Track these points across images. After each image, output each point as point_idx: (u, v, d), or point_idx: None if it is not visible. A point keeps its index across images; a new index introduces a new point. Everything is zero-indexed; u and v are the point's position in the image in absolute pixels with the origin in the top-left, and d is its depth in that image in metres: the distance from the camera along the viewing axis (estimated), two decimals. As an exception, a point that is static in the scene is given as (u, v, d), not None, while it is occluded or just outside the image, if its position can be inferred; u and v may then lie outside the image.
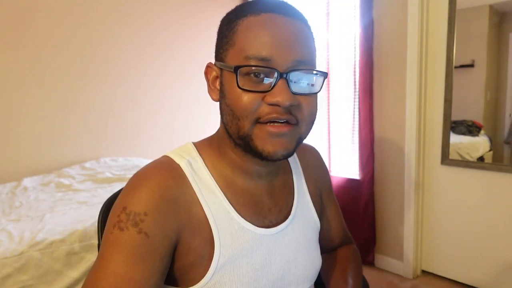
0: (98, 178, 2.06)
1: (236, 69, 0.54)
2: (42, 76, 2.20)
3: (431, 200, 2.16)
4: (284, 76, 0.54)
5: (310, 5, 2.57)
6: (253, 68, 0.53)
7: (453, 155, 2.03)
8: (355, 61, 2.35)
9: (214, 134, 0.67)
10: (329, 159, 2.58)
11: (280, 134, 0.55)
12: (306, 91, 0.57)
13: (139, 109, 2.66)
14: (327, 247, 0.85)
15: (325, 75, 0.59)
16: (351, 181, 2.44)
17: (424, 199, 2.19)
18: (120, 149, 2.58)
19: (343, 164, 2.57)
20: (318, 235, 0.75)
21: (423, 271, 2.25)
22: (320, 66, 2.47)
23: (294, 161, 0.75)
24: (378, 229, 2.35)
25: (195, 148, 0.65)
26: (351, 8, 2.38)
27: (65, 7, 2.26)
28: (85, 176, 2.12)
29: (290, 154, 0.58)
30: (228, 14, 0.61)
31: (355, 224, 2.35)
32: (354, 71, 2.37)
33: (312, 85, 0.58)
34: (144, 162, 2.40)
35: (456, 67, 1.96)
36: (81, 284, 1.36)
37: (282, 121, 0.55)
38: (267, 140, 0.55)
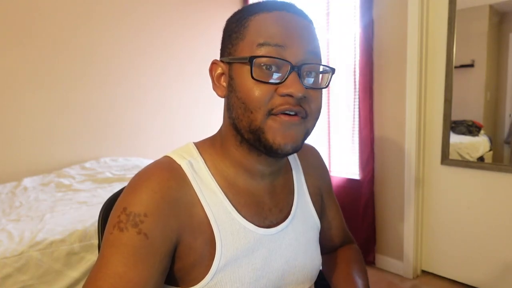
0: (98, 178, 2.06)
1: (251, 59, 0.54)
2: (42, 76, 2.20)
3: (431, 200, 2.16)
4: (296, 69, 0.55)
5: (310, 5, 2.57)
6: (267, 59, 0.55)
7: (453, 155, 2.03)
8: (355, 61, 2.35)
9: (216, 133, 0.67)
10: (329, 159, 2.58)
11: (292, 123, 0.56)
12: (316, 85, 0.59)
13: (139, 109, 2.66)
14: (328, 247, 0.85)
15: (333, 70, 0.61)
16: (351, 181, 2.44)
17: (424, 199, 2.19)
18: (120, 149, 2.58)
19: (343, 164, 2.56)
20: (318, 235, 0.75)
21: (423, 271, 2.25)
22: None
23: (294, 161, 0.75)
24: (378, 229, 2.35)
25: (196, 149, 0.65)
26: (351, 8, 2.38)
27: (65, 7, 2.26)
28: (85, 176, 2.12)
29: (298, 148, 0.59)
30: (236, 14, 0.62)
31: (355, 224, 2.35)
32: (354, 71, 2.37)
33: (321, 80, 0.60)
34: (144, 162, 2.40)
35: (456, 67, 1.96)
36: (81, 284, 1.36)
37: (293, 113, 0.56)
38: (279, 132, 0.56)
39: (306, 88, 0.56)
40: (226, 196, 0.61)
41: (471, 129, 1.98)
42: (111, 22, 2.48)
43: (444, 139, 2.04)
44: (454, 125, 2.02)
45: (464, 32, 1.92)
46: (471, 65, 1.94)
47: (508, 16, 1.82)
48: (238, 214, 0.61)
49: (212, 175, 0.62)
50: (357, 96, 2.36)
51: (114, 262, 0.51)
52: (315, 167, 0.79)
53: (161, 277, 0.55)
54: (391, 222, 2.28)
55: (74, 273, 1.35)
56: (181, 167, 0.60)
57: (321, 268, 0.79)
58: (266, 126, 0.56)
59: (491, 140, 1.94)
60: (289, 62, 0.55)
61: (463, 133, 2.00)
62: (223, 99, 0.63)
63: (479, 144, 1.97)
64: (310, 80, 0.58)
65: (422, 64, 2.05)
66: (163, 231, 0.54)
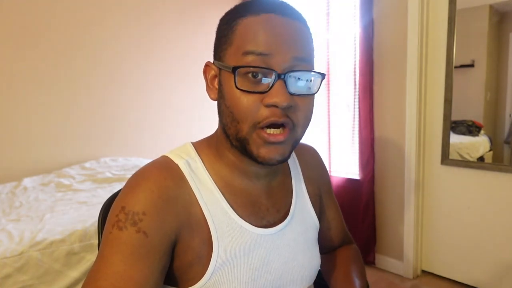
0: (98, 178, 2.06)
1: (234, 69, 0.54)
2: (42, 76, 2.20)
3: (431, 200, 2.16)
4: (282, 76, 0.54)
5: (310, 5, 2.57)
6: (251, 68, 0.53)
7: (453, 155, 2.03)
8: (355, 61, 2.35)
9: (213, 134, 0.67)
10: (329, 159, 2.58)
11: (276, 142, 0.56)
12: (304, 91, 0.57)
13: (139, 109, 2.66)
14: (327, 247, 0.85)
15: (323, 76, 0.58)
16: (351, 181, 2.44)
17: (424, 199, 2.19)
18: (120, 149, 2.58)
19: (343, 164, 2.56)
20: (317, 235, 0.75)
21: (423, 271, 2.25)
22: (320, 66, 2.47)
23: (293, 162, 0.75)
24: (378, 229, 2.35)
25: (193, 148, 0.65)
26: (351, 8, 2.37)
27: (67, 8, 2.27)
28: (85, 176, 2.12)
29: (285, 159, 0.59)
30: (227, 14, 0.61)
31: (355, 224, 2.35)
32: (354, 71, 2.37)
33: (310, 86, 0.58)
34: (144, 162, 2.41)
35: (456, 67, 1.96)
36: (81, 284, 1.35)
37: (280, 123, 0.55)
38: (263, 146, 0.56)
39: (294, 95, 0.55)
40: (223, 196, 0.61)
41: (471, 129, 1.98)
42: (111, 23, 2.48)
43: (444, 139, 2.04)
44: (454, 125, 2.02)
45: (464, 32, 1.92)
46: (471, 65, 1.94)
47: (508, 16, 1.82)
48: (235, 214, 0.61)
49: (210, 174, 0.62)
50: (357, 96, 2.36)
51: (114, 261, 0.51)
52: (314, 167, 0.79)
53: (161, 275, 0.55)
54: (391, 222, 2.28)
55: (74, 273, 1.35)
56: (178, 167, 0.60)
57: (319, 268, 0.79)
58: (251, 139, 0.56)
59: (491, 140, 1.94)
60: (274, 70, 0.53)
61: (463, 133, 2.00)
62: (216, 104, 0.63)
63: (479, 144, 1.97)
64: (299, 86, 0.56)
65: (422, 64, 2.05)
66: (161, 229, 0.54)
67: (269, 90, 0.54)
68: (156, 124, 2.76)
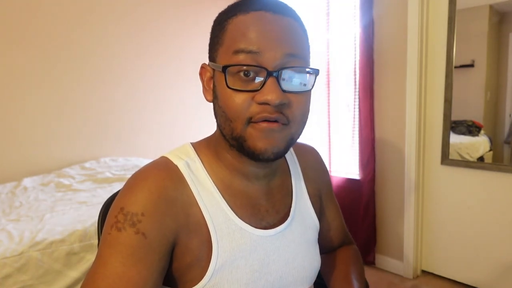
0: (98, 178, 2.06)
1: (224, 68, 0.54)
2: (42, 76, 2.20)
3: (431, 200, 2.16)
4: (274, 74, 0.53)
5: (310, 5, 2.57)
6: (244, 67, 0.53)
7: (453, 155, 2.03)
8: (355, 61, 2.35)
9: (212, 135, 0.67)
10: (329, 159, 2.58)
11: (272, 130, 0.55)
12: (297, 89, 0.56)
13: (139, 109, 2.66)
14: (327, 248, 0.84)
15: (316, 72, 0.58)
16: (351, 181, 2.44)
17: (424, 199, 2.19)
18: (120, 149, 2.58)
19: (343, 164, 2.56)
20: (317, 236, 0.74)
21: (423, 271, 2.25)
22: (320, 66, 2.47)
23: (293, 162, 0.75)
24: (378, 229, 2.34)
25: (193, 149, 0.65)
26: (351, 8, 2.37)
27: (65, 7, 2.27)
28: (85, 176, 2.12)
29: (281, 154, 0.58)
30: (220, 14, 0.61)
31: (355, 224, 2.35)
32: (354, 71, 2.36)
33: (304, 83, 0.57)
34: (144, 162, 2.41)
35: (456, 67, 1.96)
36: (80, 284, 1.36)
37: (272, 120, 0.55)
38: (259, 138, 0.55)
39: (287, 92, 0.54)
40: (223, 197, 0.61)
41: (471, 129, 1.97)
42: (110, 22, 2.48)
43: (444, 139, 2.04)
44: (454, 125, 2.02)
45: (464, 32, 1.92)
46: (471, 65, 1.93)
47: (508, 16, 1.82)
48: (235, 215, 0.61)
49: (209, 175, 0.62)
50: (357, 96, 2.36)
51: (113, 262, 0.51)
52: (314, 168, 0.78)
53: (160, 276, 0.55)
54: (391, 222, 2.28)
55: (74, 273, 1.35)
56: (178, 168, 0.60)
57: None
58: (247, 134, 0.55)
59: (491, 140, 1.94)
60: (265, 68, 0.53)
61: (463, 133, 2.00)
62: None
63: (479, 144, 1.97)
64: (292, 84, 0.55)
65: (422, 64, 2.05)
66: (160, 231, 0.54)
67: (261, 87, 0.53)
68: (156, 125, 2.76)
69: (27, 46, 2.14)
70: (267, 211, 0.65)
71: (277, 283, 0.63)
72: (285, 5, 0.58)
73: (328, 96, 2.53)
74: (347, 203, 2.41)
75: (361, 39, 2.20)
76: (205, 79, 0.62)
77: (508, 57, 1.84)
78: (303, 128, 0.60)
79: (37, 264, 1.28)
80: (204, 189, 0.60)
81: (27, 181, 2.00)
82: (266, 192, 0.66)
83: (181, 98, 2.88)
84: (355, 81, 2.38)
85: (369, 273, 2.27)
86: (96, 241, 1.33)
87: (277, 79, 0.53)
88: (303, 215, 0.71)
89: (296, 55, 0.55)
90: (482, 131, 1.95)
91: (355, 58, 2.35)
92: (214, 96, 0.59)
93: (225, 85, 0.54)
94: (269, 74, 0.53)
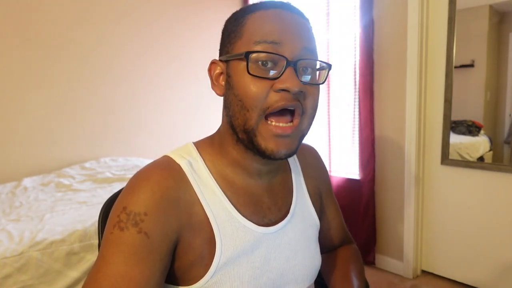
0: (98, 178, 2.06)
1: (247, 54, 0.55)
2: (42, 76, 2.20)
3: (431, 200, 2.16)
4: (292, 64, 0.55)
5: (310, 5, 2.57)
6: (263, 54, 0.55)
7: (453, 155, 2.03)
8: (355, 61, 2.35)
9: (215, 132, 0.67)
10: (329, 159, 2.58)
11: (284, 135, 0.57)
12: (312, 81, 0.59)
13: (139, 109, 2.66)
14: (327, 247, 0.85)
15: (329, 66, 0.61)
16: (351, 181, 2.44)
17: (424, 199, 2.19)
18: (120, 149, 2.58)
19: (343, 164, 2.56)
20: (317, 234, 0.75)
21: (423, 271, 2.25)
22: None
23: (293, 160, 0.75)
24: (378, 229, 2.35)
25: (195, 148, 0.65)
26: (351, 8, 2.38)
27: (65, 7, 2.26)
28: (85, 176, 2.12)
29: (293, 153, 0.59)
30: (234, 14, 0.63)
31: (355, 224, 2.35)
32: (354, 71, 2.37)
33: (318, 76, 0.60)
34: (144, 162, 2.40)
35: (456, 67, 1.96)
36: (81, 284, 1.36)
37: (290, 108, 0.56)
38: (271, 139, 0.57)
39: (302, 83, 0.56)
40: (225, 195, 0.61)
41: (471, 129, 1.98)
42: (111, 22, 2.48)
43: (444, 139, 2.04)
44: (454, 125, 2.02)
45: (464, 32, 1.92)
46: (471, 65, 1.94)
47: (508, 16, 1.82)
48: (238, 213, 0.61)
49: (211, 174, 0.62)
50: (357, 96, 2.36)
51: (115, 261, 0.51)
52: (314, 167, 0.79)
53: (162, 276, 0.55)
54: (391, 222, 2.28)
55: (74, 273, 1.35)
56: (180, 167, 0.60)
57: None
58: (258, 131, 0.57)
59: (491, 140, 1.94)
60: (285, 57, 0.55)
61: (463, 133, 2.00)
62: (223, 99, 0.64)
63: (479, 144, 1.97)
64: (306, 77, 0.59)
65: (422, 64, 2.05)
66: (163, 230, 0.54)
67: (280, 76, 0.55)
68: (157, 124, 2.76)
69: (27, 46, 2.13)
70: (269, 208, 0.66)
71: (278, 281, 0.64)
72: (298, 7, 0.62)
73: (328, 96, 2.53)
74: (347, 203, 2.41)
75: (361, 39, 2.20)
76: (214, 75, 0.63)
77: (508, 57, 1.84)
78: (311, 123, 0.62)
79: (37, 264, 1.28)
80: (207, 188, 0.60)
81: (27, 181, 1.99)
82: (268, 190, 0.67)
83: (181, 98, 2.88)
84: (355, 81, 2.38)
85: (369, 273, 2.27)
86: (96, 241, 1.33)
87: (295, 69, 0.55)
88: (304, 212, 0.72)
89: (311, 50, 0.59)
90: (482, 131, 1.96)
91: (355, 58, 2.35)
92: (227, 87, 0.60)
93: (244, 73, 0.55)
94: (289, 63, 0.55)
